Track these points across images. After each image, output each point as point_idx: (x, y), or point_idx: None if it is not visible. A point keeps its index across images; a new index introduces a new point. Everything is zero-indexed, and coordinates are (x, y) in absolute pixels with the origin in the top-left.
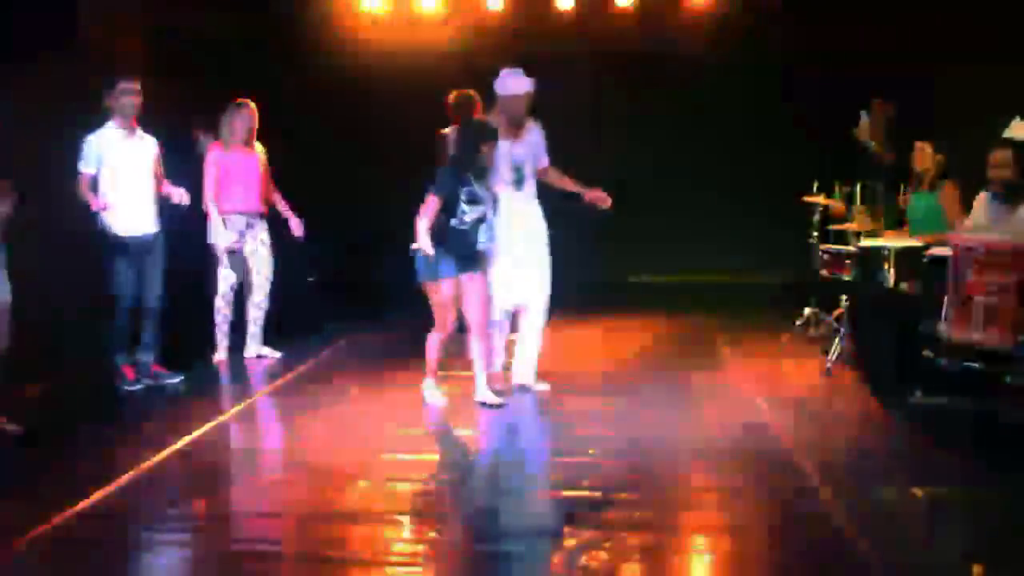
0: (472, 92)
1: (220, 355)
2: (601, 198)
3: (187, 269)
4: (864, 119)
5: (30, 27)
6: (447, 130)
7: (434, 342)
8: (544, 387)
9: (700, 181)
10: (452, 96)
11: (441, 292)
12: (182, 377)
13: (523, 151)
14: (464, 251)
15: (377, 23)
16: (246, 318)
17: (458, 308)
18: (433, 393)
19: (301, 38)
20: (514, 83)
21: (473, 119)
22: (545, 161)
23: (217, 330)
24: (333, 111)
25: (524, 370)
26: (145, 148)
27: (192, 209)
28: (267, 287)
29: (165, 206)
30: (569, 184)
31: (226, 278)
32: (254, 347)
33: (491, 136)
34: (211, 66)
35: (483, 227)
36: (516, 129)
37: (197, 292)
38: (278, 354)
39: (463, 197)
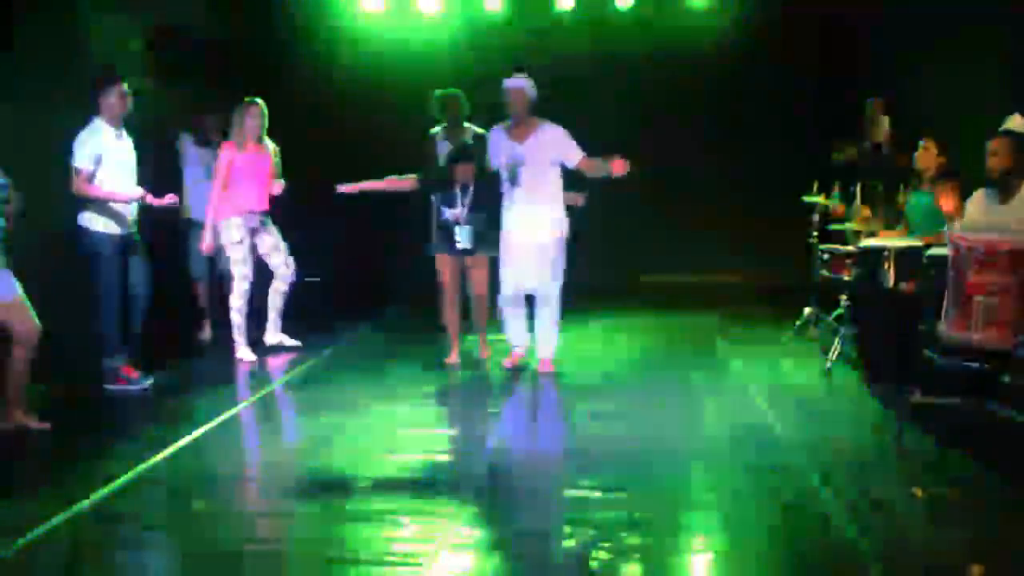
0: (457, 92)
1: (244, 353)
2: (619, 165)
3: (168, 267)
4: (886, 122)
5: (30, 26)
6: (435, 130)
7: (445, 310)
8: (547, 370)
9: (700, 181)
10: (437, 96)
11: (438, 266)
12: (152, 380)
13: (523, 152)
14: (449, 240)
15: (376, 23)
16: (267, 306)
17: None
18: (449, 356)
19: (301, 37)
20: (507, 81)
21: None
22: (573, 159)
23: (235, 330)
24: (333, 111)
25: (539, 350)
26: (130, 147)
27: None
28: (291, 279)
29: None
30: (596, 167)
31: (245, 276)
32: (275, 335)
33: (460, 158)
34: (211, 67)
35: (459, 228)
36: (517, 128)
37: (183, 291)
38: (297, 342)
39: (441, 201)
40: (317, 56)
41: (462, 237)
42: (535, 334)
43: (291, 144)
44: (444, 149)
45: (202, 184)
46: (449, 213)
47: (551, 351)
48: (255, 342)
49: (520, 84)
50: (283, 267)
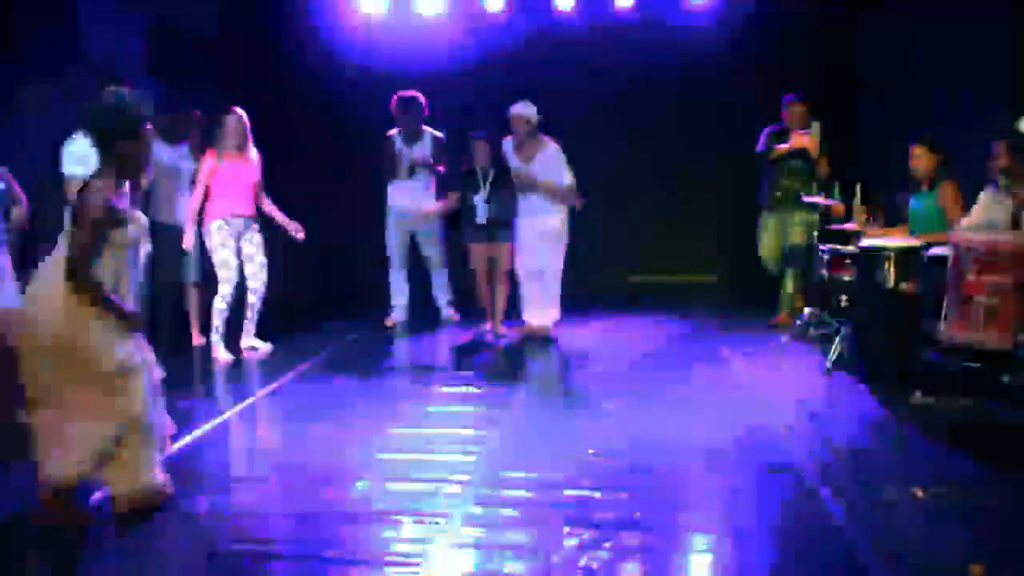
0: (415, 94)
1: (221, 353)
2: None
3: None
4: (817, 128)
5: (30, 27)
6: (394, 131)
7: (479, 290)
8: (547, 334)
9: (700, 180)
10: (396, 99)
11: (471, 252)
12: None
13: (529, 170)
14: (479, 230)
15: (376, 23)
16: (244, 312)
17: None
18: (482, 329)
19: (300, 38)
20: (512, 108)
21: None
22: (563, 180)
23: (213, 331)
24: (332, 111)
25: (537, 319)
26: None
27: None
28: (262, 290)
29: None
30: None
31: (229, 280)
32: (247, 340)
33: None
34: (209, 67)
35: (479, 205)
36: (523, 149)
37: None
38: (269, 346)
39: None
40: (317, 56)
41: (480, 212)
42: (540, 307)
43: (289, 144)
44: (402, 150)
45: (171, 186)
46: (475, 201)
47: (551, 320)
48: (228, 345)
49: (522, 111)
50: (254, 279)
